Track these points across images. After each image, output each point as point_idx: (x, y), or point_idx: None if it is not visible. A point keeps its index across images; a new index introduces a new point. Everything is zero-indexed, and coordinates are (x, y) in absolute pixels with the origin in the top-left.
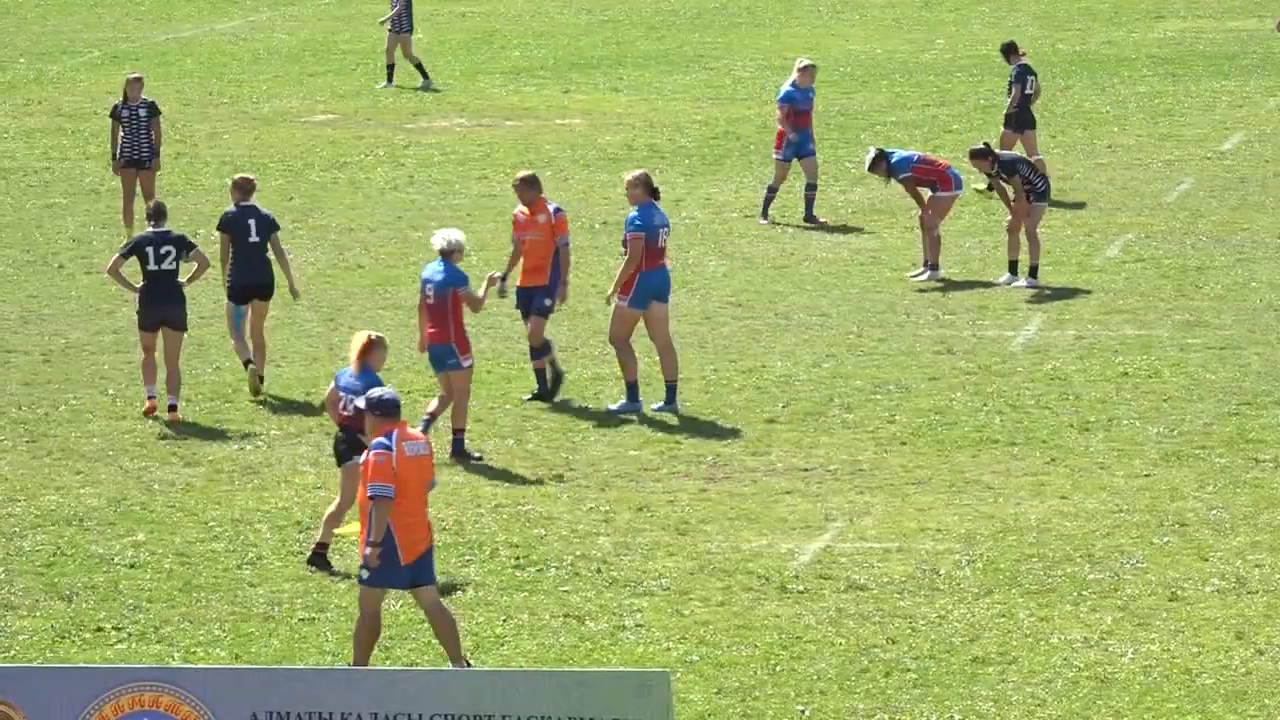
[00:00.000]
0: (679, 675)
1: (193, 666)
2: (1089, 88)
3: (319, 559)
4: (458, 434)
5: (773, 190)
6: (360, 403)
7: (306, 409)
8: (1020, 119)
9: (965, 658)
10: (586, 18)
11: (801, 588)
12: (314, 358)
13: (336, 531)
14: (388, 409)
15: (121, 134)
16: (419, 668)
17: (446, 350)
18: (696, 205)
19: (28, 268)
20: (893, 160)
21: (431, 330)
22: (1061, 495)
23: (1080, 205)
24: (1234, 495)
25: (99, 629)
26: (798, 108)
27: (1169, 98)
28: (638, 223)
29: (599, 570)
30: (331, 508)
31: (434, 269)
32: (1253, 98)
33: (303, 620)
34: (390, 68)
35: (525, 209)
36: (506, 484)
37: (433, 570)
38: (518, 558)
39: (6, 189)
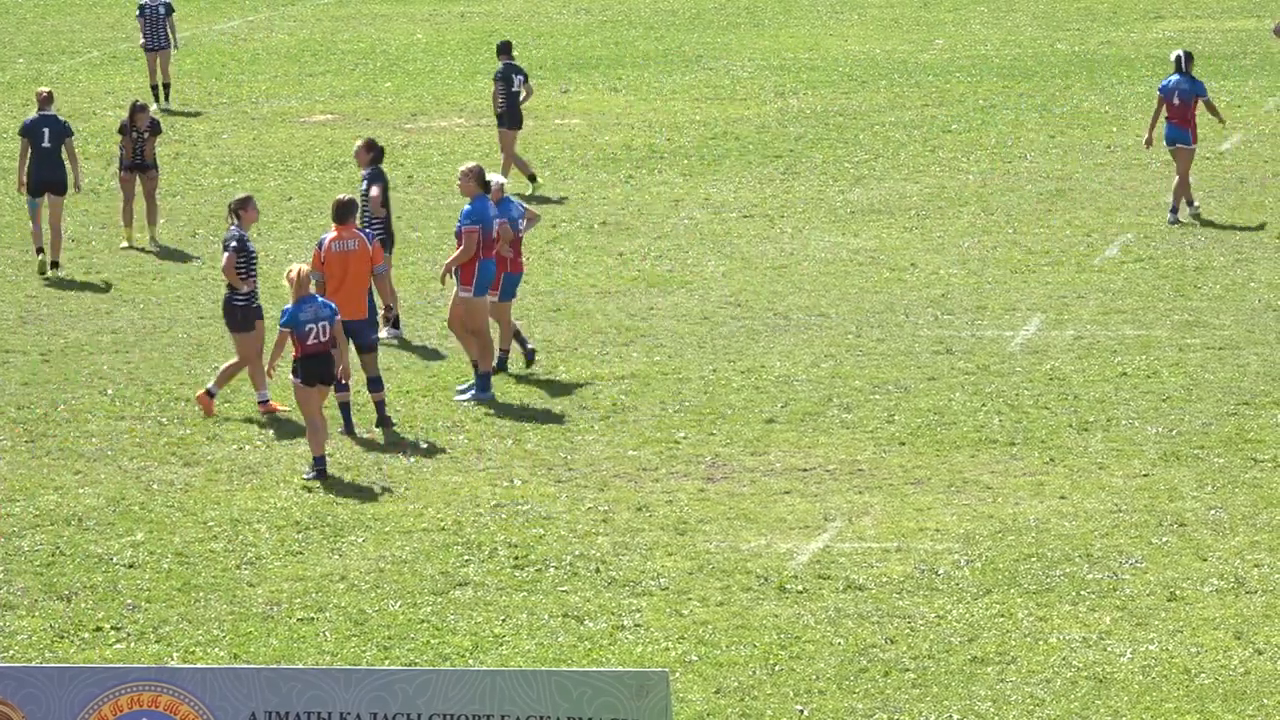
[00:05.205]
0: (678, 675)
1: (192, 666)
2: (1088, 88)
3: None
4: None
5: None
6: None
7: None
8: (511, 117)
9: (964, 657)
10: (585, 18)
11: (800, 587)
12: None
13: None
14: None
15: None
16: (418, 668)
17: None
18: (695, 205)
19: (26, 268)
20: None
21: (517, 259)
22: (1060, 495)
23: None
24: (1233, 495)
25: (98, 629)
26: None
27: None
28: (473, 217)
29: (598, 570)
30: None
31: (516, 207)
32: (1251, 98)
33: (301, 620)
34: (154, 88)
35: None
36: (505, 484)
37: None
38: (516, 557)
39: (6, 189)
